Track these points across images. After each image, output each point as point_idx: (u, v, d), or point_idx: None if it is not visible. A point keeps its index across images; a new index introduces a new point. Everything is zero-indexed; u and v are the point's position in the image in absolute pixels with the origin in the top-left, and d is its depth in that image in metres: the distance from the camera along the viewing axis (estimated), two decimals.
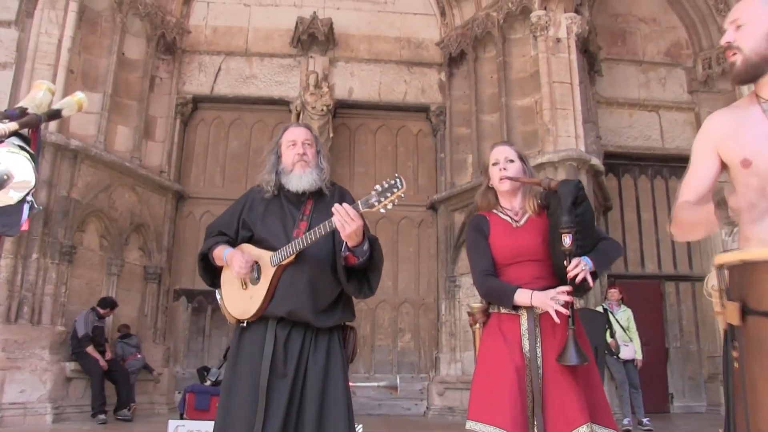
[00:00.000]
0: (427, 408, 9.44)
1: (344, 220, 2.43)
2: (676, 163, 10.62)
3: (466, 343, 9.22)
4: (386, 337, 9.95)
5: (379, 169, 10.11)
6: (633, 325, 8.23)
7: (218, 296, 2.85)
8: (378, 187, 2.43)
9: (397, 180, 2.42)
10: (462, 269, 9.48)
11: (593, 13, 10.57)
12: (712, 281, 2.04)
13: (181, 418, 7.44)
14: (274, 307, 2.63)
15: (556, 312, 2.39)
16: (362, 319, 9.85)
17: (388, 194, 2.41)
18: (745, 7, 1.91)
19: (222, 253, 2.74)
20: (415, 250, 10.24)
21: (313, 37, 10.33)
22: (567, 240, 2.45)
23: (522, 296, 2.50)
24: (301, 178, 2.78)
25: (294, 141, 2.84)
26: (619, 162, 11.04)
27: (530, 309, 2.53)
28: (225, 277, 2.80)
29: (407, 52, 10.74)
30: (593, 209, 2.71)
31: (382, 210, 2.43)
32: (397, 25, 10.83)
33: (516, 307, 2.55)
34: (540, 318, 2.54)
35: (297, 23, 10.35)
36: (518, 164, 2.75)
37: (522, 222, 2.70)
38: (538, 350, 2.51)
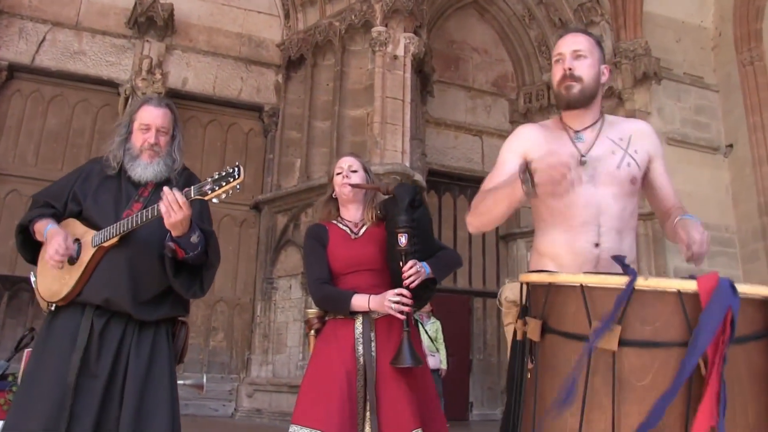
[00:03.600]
0: (235, 409, 9.33)
1: (171, 207, 2.18)
2: None
3: (279, 346, 9.23)
4: (198, 336, 9.67)
5: (206, 164, 9.74)
6: (441, 337, 8.58)
7: (32, 276, 2.53)
8: (215, 174, 2.25)
9: (236, 169, 2.23)
10: (280, 272, 9.49)
11: (431, 37, 11.08)
12: (506, 293, 2.22)
13: None
14: (89, 293, 2.34)
15: (398, 312, 2.41)
16: None
17: (223, 183, 2.22)
18: (582, 41, 2.10)
19: (43, 228, 2.40)
20: (235, 249, 10.10)
21: (152, 21, 9.89)
22: (403, 239, 2.44)
23: (359, 300, 2.51)
24: (146, 168, 2.48)
25: (148, 126, 2.49)
26: (442, 180, 11.57)
27: (366, 313, 2.54)
28: (43, 254, 2.46)
29: (247, 50, 10.64)
30: (430, 217, 2.74)
31: (215, 200, 2.24)
32: (239, 21, 10.70)
33: (352, 313, 2.55)
34: (375, 322, 2.55)
35: (136, 3, 9.86)
36: (362, 174, 2.77)
37: (361, 233, 2.72)
38: (373, 353, 2.50)
